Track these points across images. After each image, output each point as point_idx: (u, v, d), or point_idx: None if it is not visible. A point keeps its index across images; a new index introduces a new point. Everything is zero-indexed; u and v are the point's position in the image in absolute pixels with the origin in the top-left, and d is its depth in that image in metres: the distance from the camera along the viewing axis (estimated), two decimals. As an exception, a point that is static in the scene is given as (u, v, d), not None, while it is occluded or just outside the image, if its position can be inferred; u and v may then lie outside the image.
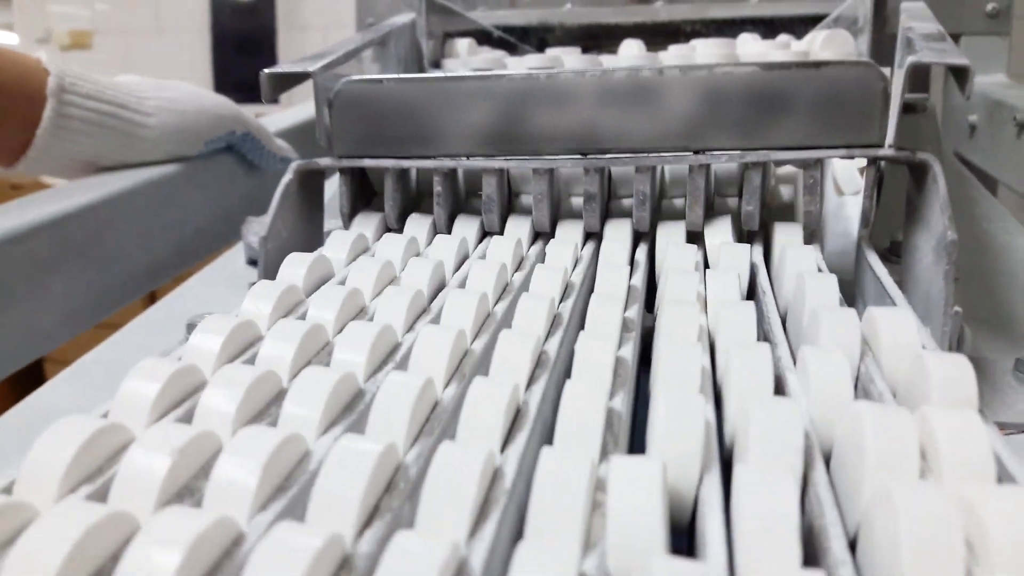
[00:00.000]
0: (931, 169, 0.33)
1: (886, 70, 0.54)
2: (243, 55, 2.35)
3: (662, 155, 0.37)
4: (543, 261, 0.37)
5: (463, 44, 0.68)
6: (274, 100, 0.37)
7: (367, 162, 0.39)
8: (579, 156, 0.37)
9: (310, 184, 0.41)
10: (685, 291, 0.31)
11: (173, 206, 0.62)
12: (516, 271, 0.36)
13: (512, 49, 0.87)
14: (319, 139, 0.39)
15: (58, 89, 0.54)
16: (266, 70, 0.37)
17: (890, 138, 0.35)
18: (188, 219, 0.65)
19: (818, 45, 0.62)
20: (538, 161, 0.37)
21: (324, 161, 0.39)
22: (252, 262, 0.56)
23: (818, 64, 0.34)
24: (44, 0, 2.60)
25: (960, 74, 0.32)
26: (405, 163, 0.38)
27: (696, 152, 0.36)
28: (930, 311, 0.33)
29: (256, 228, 0.56)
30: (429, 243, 0.39)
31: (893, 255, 0.41)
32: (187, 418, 0.24)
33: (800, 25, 0.87)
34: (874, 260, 0.35)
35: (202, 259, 0.67)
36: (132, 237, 0.58)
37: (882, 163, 0.36)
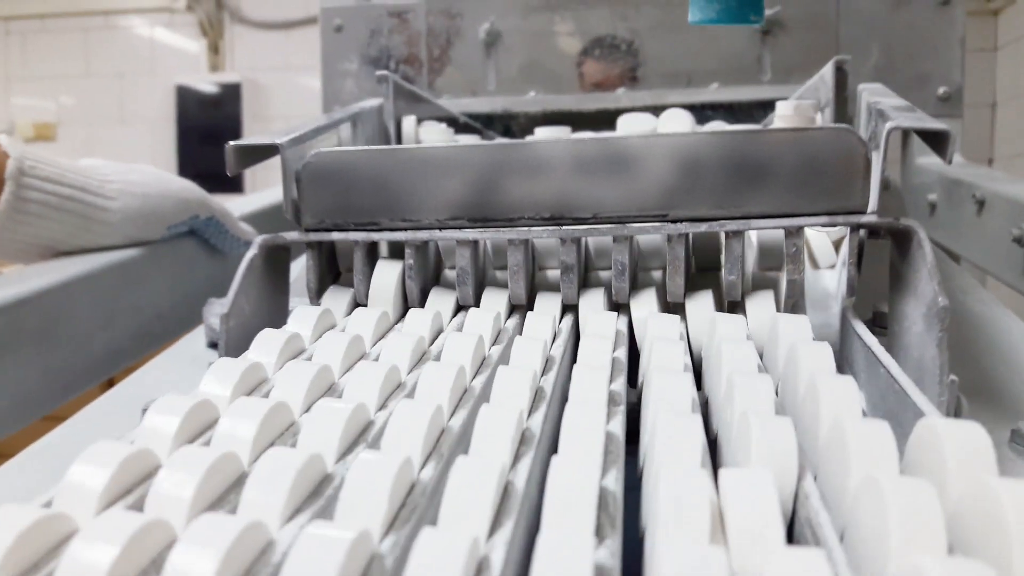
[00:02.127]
0: (916, 235, 0.33)
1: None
2: (208, 145, 2.36)
3: (640, 225, 0.36)
4: (521, 333, 0.35)
5: (409, 121, 0.68)
6: (238, 173, 0.36)
7: (336, 235, 0.37)
8: (555, 226, 0.36)
9: (275, 261, 0.39)
10: (672, 360, 0.29)
11: (133, 290, 0.60)
12: (494, 344, 0.34)
13: (479, 135, 0.88)
14: (285, 212, 0.37)
15: (17, 172, 0.53)
16: (231, 143, 0.36)
17: (872, 205, 0.34)
18: (148, 303, 0.62)
19: (780, 117, 0.63)
20: (514, 231, 0.36)
21: (291, 235, 0.37)
22: (213, 345, 0.53)
23: (796, 129, 0.34)
24: (7, 92, 2.60)
25: (940, 139, 0.32)
26: (375, 235, 0.37)
27: (674, 221, 0.36)
28: (924, 379, 0.32)
29: (217, 309, 0.54)
30: (401, 318, 0.37)
31: (877, 325, 0.40)
32: (139, 506, 0.22)
33: (759, 109, 0.90)
34: (862, 329, 0.34)
35: (162, 344, 0.64)
36: (91, 322, 0.55)
37: (863, 231, 0.36)
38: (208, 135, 2.37)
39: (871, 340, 0.33)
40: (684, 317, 0.36)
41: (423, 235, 0.37)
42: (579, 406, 0.25)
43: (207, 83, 2.38)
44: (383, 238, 0.37)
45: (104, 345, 0.57)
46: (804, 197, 0.34)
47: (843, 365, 0.36)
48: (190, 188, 0.66)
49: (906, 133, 0.82)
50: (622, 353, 0.33)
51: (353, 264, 0.38)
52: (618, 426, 0.26)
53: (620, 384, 0.30)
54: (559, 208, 0.36)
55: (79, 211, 0.57)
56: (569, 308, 0.38)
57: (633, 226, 0.36)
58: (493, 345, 0.34)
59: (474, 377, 0.31)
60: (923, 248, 0.32)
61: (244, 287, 0.36)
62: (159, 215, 0.62)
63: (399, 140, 0.70)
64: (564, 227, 0.36)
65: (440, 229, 0.37)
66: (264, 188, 2.34)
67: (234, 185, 2.35)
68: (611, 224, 0.36)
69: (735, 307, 0.37)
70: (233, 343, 0.35)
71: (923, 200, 0.82)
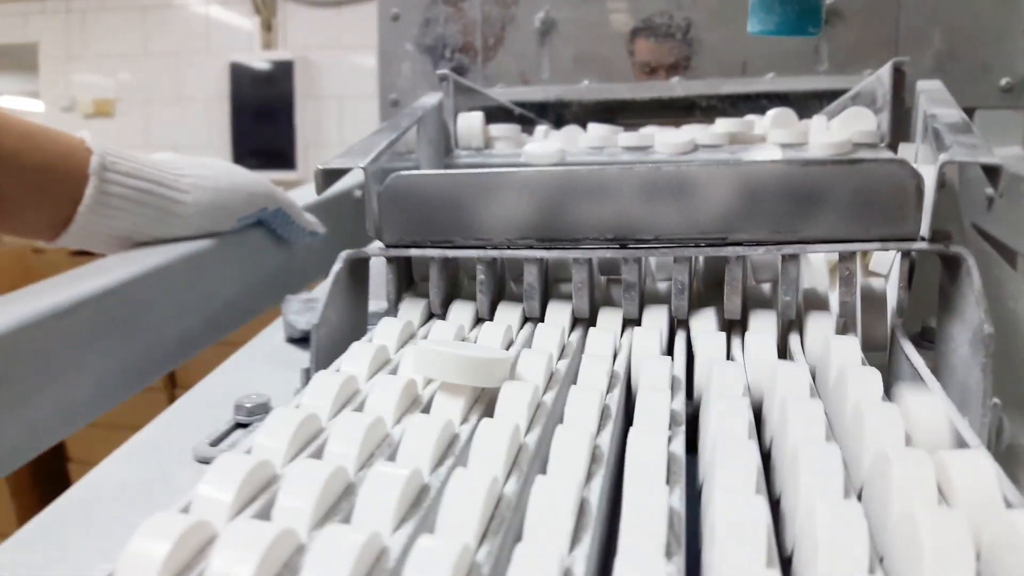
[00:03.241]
0: (965, 262, 0.34)
1: (909, 147, 0.56)
2: (261, 123, 2.41)
3: (701, 248, 0.38)
4: (583, 348, 0.38)
5: (474, 119, 0.70)
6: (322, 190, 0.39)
7: (414, 252, 0.40)
8: (618, 246, 0.39)
9: (357, 271, 0.42)
10: (732, 384, 0.32)
11: (204, 280, 0.63)
12: (560, 358, 0.37)
13: (531, 124, 0.90)
14: (368, 229, 0.40)
15: (100, 167, 0.56)
16: (320, 167, 0.39)
17: (924, 230, 0.36)
18: (218, 293, 0.66)
19: (839, 122, 0.64)
20: (578, 251, 0.39)
21: (372, 250, 0.40)
22: (291, 340, 0.57)
23: (852, 161, 0.35)
24: (69, 70, 2.68)
25: (993, 173, 0.33)
26: (450, 253, 0.40)
27: (733, 244, 0.38)
28: (967, 401, 0.33)
29: (295, 307, 0.58)
30: (472, 328, 0.40)
31: (925, 340, 0.42)
32: (265, 515, 0.25)
33: (815, 100, 0.90)
34: (910, 350, 0.36)
35: (229, 332, 0.68)
36: (166, 311, 0.59)
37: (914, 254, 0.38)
38: (261, 112, 2.42)
39: (918, 362, 0.34)
40: (741, 334, 0.39)
41: (493, 253, 0.39)
42: (644, 429, 0.28)
43: (260, 61, 2.43)
44: (457, 255, 0.40)
45: (177, 334, 0.60)
46: (858, 223, 0.36)
47: (891, 381, 0.38)
48: (259, 181, 0.69)
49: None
50: (680, 370, 0.35)
51: (429, 276, 0.41)
52: (679, 446, 0.29)
53: (680, 403, 0.32)
54: (622, 229, 0.38)
55: (156, 204, 0.60)
56: (629, 321, 0.40)
57: (692, 248, 0.38)
58: (560, 359, 0.37)
59: (544, 393, 0.33)
60: (971, 276, 0.34)
61: (332, 299, 0.39)
62: (230, 208, 0.65)
63: (457, 135, 0.72)
64: (627, 248, 0.38)
65: (508, 247, 0.39)
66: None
67: (286, 162, 2.40)
68: (671, 245, 0.38)
69: (789, 326, 0.39)
70: (324, 351, 0.38)
71: (980, 194, 0.82)
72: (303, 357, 0.56)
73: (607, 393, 0.33)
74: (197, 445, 0.41)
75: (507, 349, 0.38)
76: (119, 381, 0.54)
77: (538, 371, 0.33)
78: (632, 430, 0.28)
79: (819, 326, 0.38)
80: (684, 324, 0.40)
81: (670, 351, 0.39)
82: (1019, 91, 0.87)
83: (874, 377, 0.31)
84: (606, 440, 0.29)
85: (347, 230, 0.91)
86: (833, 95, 0.75)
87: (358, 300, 0.43)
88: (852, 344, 0.34)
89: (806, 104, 0.92)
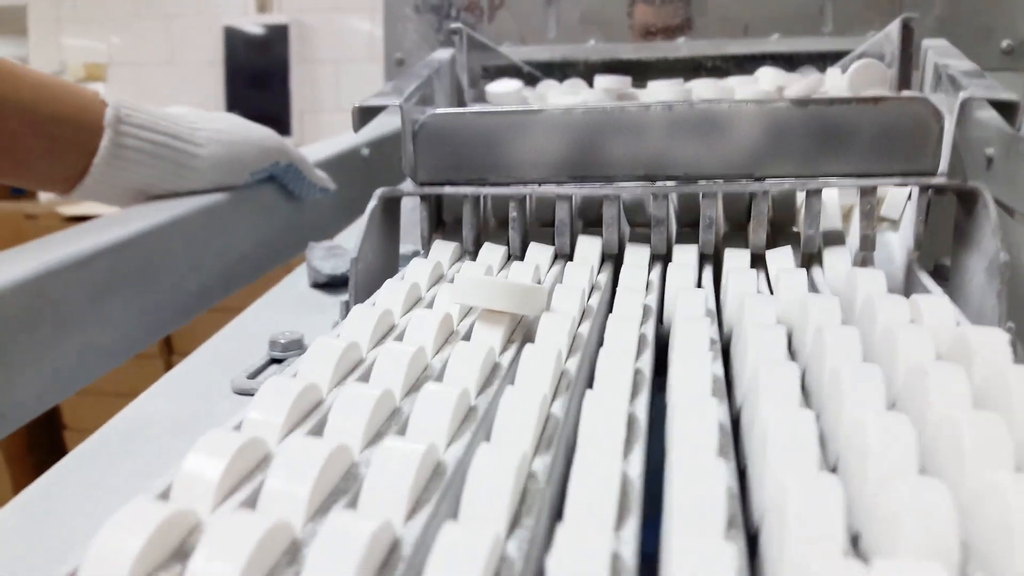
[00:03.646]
0: (981, 196, 0.36)
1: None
2: (256, 88, 2.39)
3: (728, 183, 0.39)
4: (615, 283, 0.39)
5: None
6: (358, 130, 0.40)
7: (448, 189, 0.41)
8: (648, 183, 0.40)
9: (390, 210, 0.43)
10: (767, 313, 0.33)
11: (221, 234, 0.64)
12: (591, 295, 0.39)
13: (535, 82, 0.90)
14: (404, 168, 0.41)
15: (115, 120, 0.57)
16: (357, 104, 0.40)
17: (943, 167, 0.37)
18: (233, 246, 0.67)
19: (850, 74, 0.65)
20: (611, 187, 0.40)
21: (406, 187, 0.42)
22: (316, 285, 0.58)
23: (875, 98, 0.37)
24: (59, 33, 2.65)
25: (1010, 110, 0.35)
26: (484, 190, 0.41)
27: (758, 179, 0.39)
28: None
29: (320, 253, 0.59)
30: (500, 269, 0.42)
31: (938, 278, 0.43)
32: (319, 429, 0.26)
33: (819, 61, 0.91)
34: (927, 280, 0.37)
35: (245, 284, 0.69)
36: (183, 263, 0.60)
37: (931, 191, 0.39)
38: (256, 77, 2.40)
39: (935, 289, 0.36)
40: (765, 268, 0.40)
41: (526, 190, 0.41)
42: (687, 352, 0.29)
43: (254, 24, 2.41)
44: (491, 192, 0.41)
45: (195, 286, 0.61)
46: (879, 160, 0.38)
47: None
48: (271, 136, 0.69)
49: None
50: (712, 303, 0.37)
51: (461, 215, 0.43)
52: (720, 368, 0.30)
53: (715, 332, 0.33)
54: (652, 167, 0.39)
55: (171, 157, 0.60)
56: (657, 257, 0.42)
57: (720, 183, 0.39)
58: (591, 296, 0.38)
59: (579, 324, 0.35)
60: (988, 208, 0.36)
61: (368, 235, 0.40)
62: (243, 162, 0.66)
63: (471, 90, 0.73)
64: (656, 184, 0.40)
65: (539, 185, 0.41)
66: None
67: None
68: (701, 182, 0.39)
69: (811, 260, 0.40)
70: (362, 285, 0.39)
71: (980, 153, 0.84)
72: (329, 301, 0.57)
73: (641, 324, 0.35)
74: (235, 378, 0.43)
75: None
76: (139, 331, 0.55)
77: (573, 303, 0.35)
78: (674, 354, 0.30)
79: (839, 258, 0.39)
80: (710, 260, 0.41)
81: (698, 286, 0.40)
82: (1020, 53, 0.89)
83: (901, 302, 0.32)
84: (647, 364, 0.31)
85: (355, 188, 0.92)
86: (837, 56, 0.76)
87: (391, 238, 0.44)
88: (877, 275, 0.36)
89: (810, 65, 0.93)
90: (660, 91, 0.65)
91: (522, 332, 0.34)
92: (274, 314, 0.54)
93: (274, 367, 0.44)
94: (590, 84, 0.76)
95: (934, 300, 0.31)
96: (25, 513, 0.33)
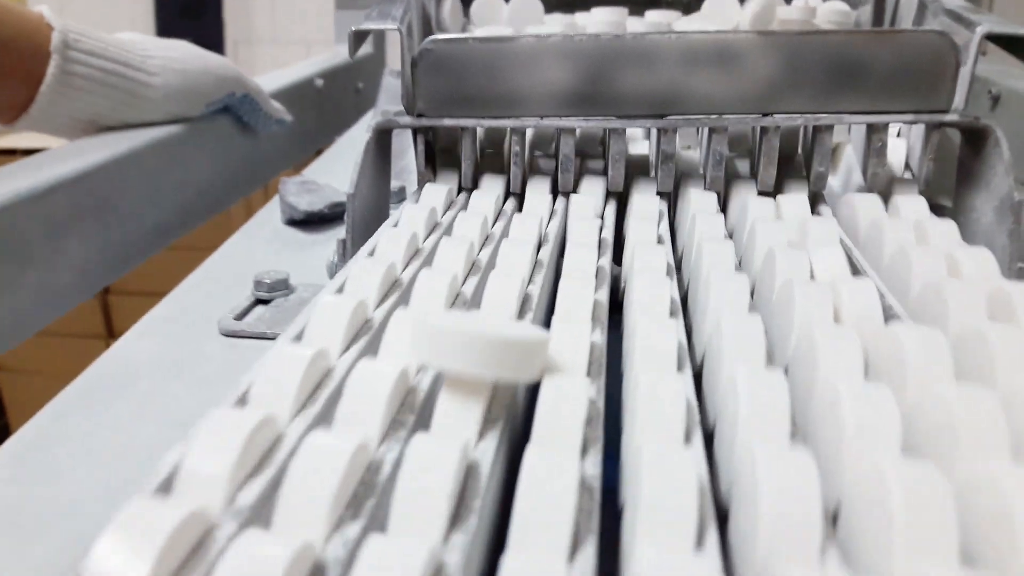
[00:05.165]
0: (993, 134, 0.36)
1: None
2: (187, 18, 2.26)
3: (738, 117, 0.38)
4: (623, 217, 0.38)
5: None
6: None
7: (447, 121, 0.39)
8: (656, 117, 0.39)
9: (383, 142, 0.41)
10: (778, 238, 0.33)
11: (178, 167, 0.62)
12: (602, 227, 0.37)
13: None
14: (402, 98, 0.39)
15: (62, 45, 0.53)
16: (353, 28, 0.37)
17: (959, 102, 0.37)
18: (191, 180, 0.64)
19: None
20: (617, 121, 0.39)
21: (404, 119, 0.39)
22: (292, 222, 0.56)
23: (894, 31, 0.36)
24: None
25: (1020, 44, 0.35)
26: (485, 123, 0.39)
27: (767, 115, 0.38)
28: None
29: (293, 189, 0.56)
30: (506, 200, 0.40)
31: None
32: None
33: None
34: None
35: (205, 219, 0.66)
36: (140, 197, 0.57)
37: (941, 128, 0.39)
38: (187, 5, 2.27)
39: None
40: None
41: (530, 122, 0.39)
42: (721, 275, 0.29)
43: (183, -54, 2.26)
44: (493, 124, 0.39)
45: (153, 220, 0.59)
46: (894, 96, 0.37)
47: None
48: (227, 65, 0.66)
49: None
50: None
51: (458, 150, 0.41)
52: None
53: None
54: (662, 101, 0.38)
55: (122, 86, 0.57)
56: (664, 195, 0.41)
57: (729, 117, 0.38)
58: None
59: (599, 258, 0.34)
60: (1000, 146, 0.36)
61: (363, 169, 0.38)
62: (199, 91, 0.62)
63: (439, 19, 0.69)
64: (665, 118, 0.38)
65: (542, 118, 0.39)
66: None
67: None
68: (710, 116, 0.38)
69: (817, 196, 0.40)
70: (358, 219, 0.37)
71: (983, 100, 0.84)
72: (307, 238, 0.55)
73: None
74: (222, 319, 0.41)
75: (536, 229, 0.38)
76: (98, 268, 0.53)
77: (591, 236, 0.34)
78: (702, 279, 0.29)
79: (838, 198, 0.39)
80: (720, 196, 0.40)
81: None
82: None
83: (907, 225, 0.32)
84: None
85: (310, 119, 0.88)
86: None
87: (384, 172, 0.42)
88: (875, 200, 0.35)
89: None
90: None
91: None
92: (251, 252, 0.52)
93: (260, 308, 0.42)
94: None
95: (941, 223, 0.32)
96: (16, 459, 0.31)
